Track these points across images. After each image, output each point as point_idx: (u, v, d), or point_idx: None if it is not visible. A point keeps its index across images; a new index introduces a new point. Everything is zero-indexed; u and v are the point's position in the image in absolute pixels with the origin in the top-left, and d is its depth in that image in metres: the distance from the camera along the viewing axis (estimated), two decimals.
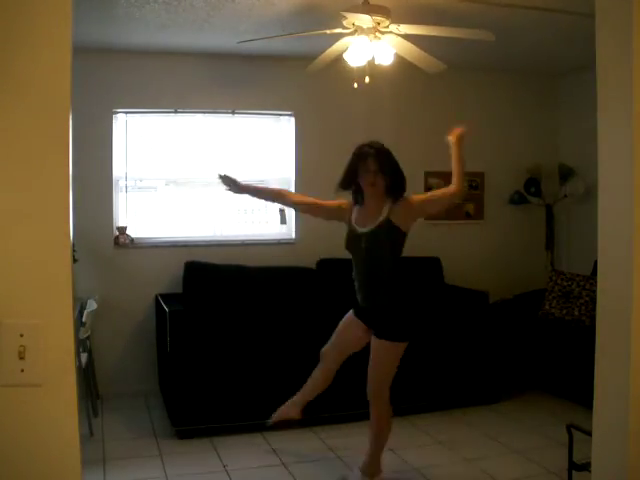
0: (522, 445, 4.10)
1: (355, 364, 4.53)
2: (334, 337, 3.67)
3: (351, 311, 3.63)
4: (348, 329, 3.62)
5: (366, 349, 3.57)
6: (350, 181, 3.50)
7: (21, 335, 1.30)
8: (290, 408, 3.76)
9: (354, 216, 3.53)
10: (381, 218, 3.40)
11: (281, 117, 5.50)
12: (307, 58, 4.29)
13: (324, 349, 3.71)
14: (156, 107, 5.20)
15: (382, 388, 3.57)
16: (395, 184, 3.44)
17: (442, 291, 5.38)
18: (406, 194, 3.49)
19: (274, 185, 5.48)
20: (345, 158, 5.91)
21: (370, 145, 3.46)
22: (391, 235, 3.41)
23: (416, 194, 3.67)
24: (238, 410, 4.32)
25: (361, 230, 3.45)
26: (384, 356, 3.48)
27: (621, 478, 1.50)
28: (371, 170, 3.40)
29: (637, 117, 1.45)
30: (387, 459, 3.91)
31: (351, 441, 4.21)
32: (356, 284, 3.54)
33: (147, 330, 5.06)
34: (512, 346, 5.28)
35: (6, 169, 1.29)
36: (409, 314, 3.49)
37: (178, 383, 4.21)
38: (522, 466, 3.80)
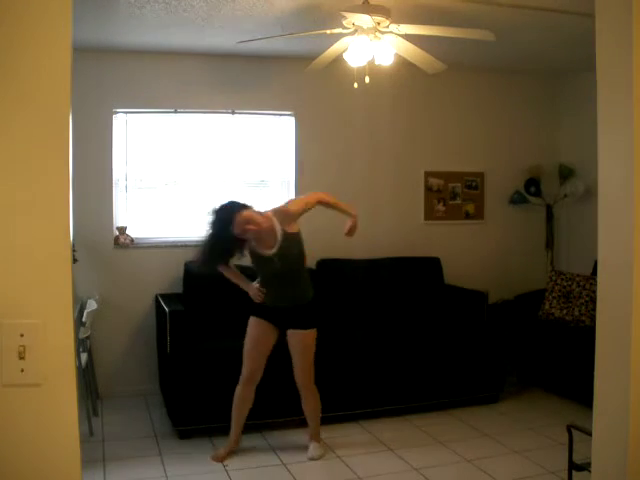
0: (522, 445, 4.10)
1: (350, 366, 4.56)
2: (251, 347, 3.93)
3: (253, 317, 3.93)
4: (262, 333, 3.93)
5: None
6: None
7: (21, 335, 1.30)
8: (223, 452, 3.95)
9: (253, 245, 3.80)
10: (279, 234, 3.71)
11: (281, 117, 5.50)
12: (307, 58, 4.29)
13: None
14: (156, 107, 5.19)
15: (311, 374, 3.91)
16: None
17: (442, 291, 5.38)
18: (291, 205, 3.84)
19: (275, 184, 5.49)
20: (345, 158, 5.89)
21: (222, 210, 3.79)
22: (291, 241, 3.75)
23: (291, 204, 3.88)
24: None
25: (268, 252, 3.74)
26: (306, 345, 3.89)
27: (621, 478, 1.50)
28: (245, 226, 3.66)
29: (637, 117, 1.45)
30: (387, 459, 3.93)
31: (351, 441, 4.22)
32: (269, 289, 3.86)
33: (147, 330, 5.06)
34: (512, 346, 5.28)
35: (6, 169, 1.29)
36: (316, 304, 3.97)
37: (178, 383, 4.21)
38: (522, 466, 3.80)
